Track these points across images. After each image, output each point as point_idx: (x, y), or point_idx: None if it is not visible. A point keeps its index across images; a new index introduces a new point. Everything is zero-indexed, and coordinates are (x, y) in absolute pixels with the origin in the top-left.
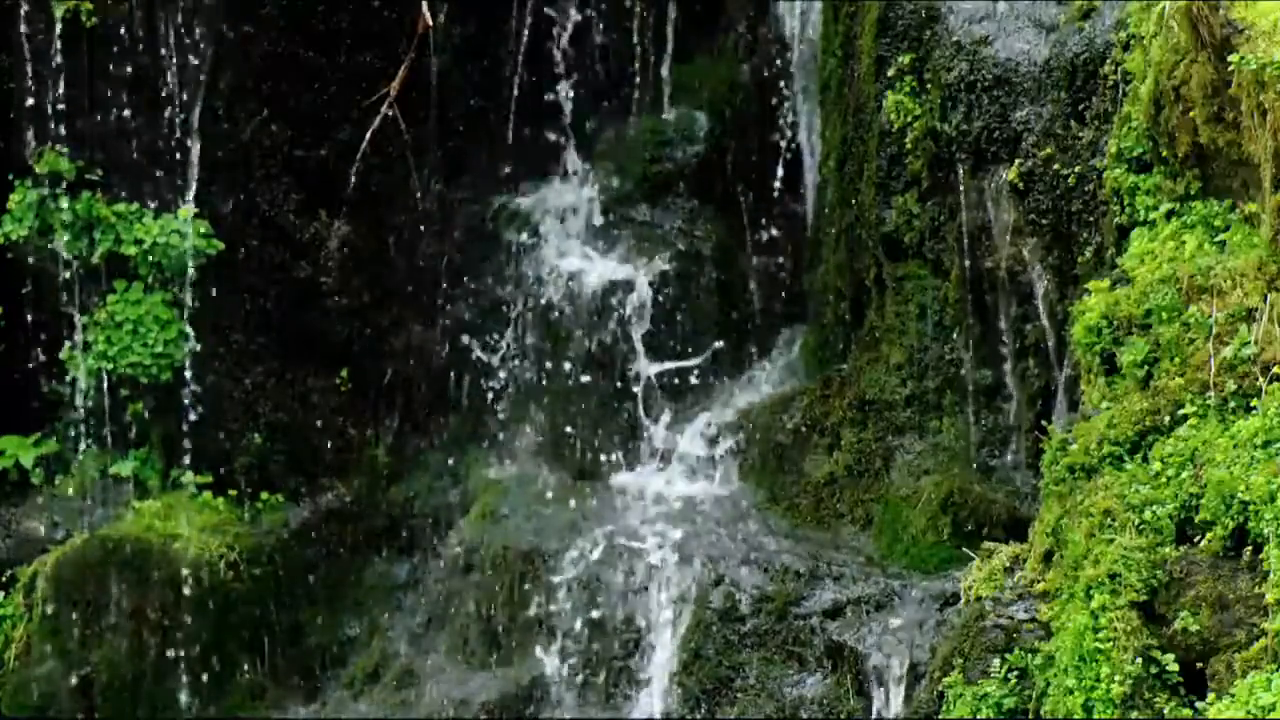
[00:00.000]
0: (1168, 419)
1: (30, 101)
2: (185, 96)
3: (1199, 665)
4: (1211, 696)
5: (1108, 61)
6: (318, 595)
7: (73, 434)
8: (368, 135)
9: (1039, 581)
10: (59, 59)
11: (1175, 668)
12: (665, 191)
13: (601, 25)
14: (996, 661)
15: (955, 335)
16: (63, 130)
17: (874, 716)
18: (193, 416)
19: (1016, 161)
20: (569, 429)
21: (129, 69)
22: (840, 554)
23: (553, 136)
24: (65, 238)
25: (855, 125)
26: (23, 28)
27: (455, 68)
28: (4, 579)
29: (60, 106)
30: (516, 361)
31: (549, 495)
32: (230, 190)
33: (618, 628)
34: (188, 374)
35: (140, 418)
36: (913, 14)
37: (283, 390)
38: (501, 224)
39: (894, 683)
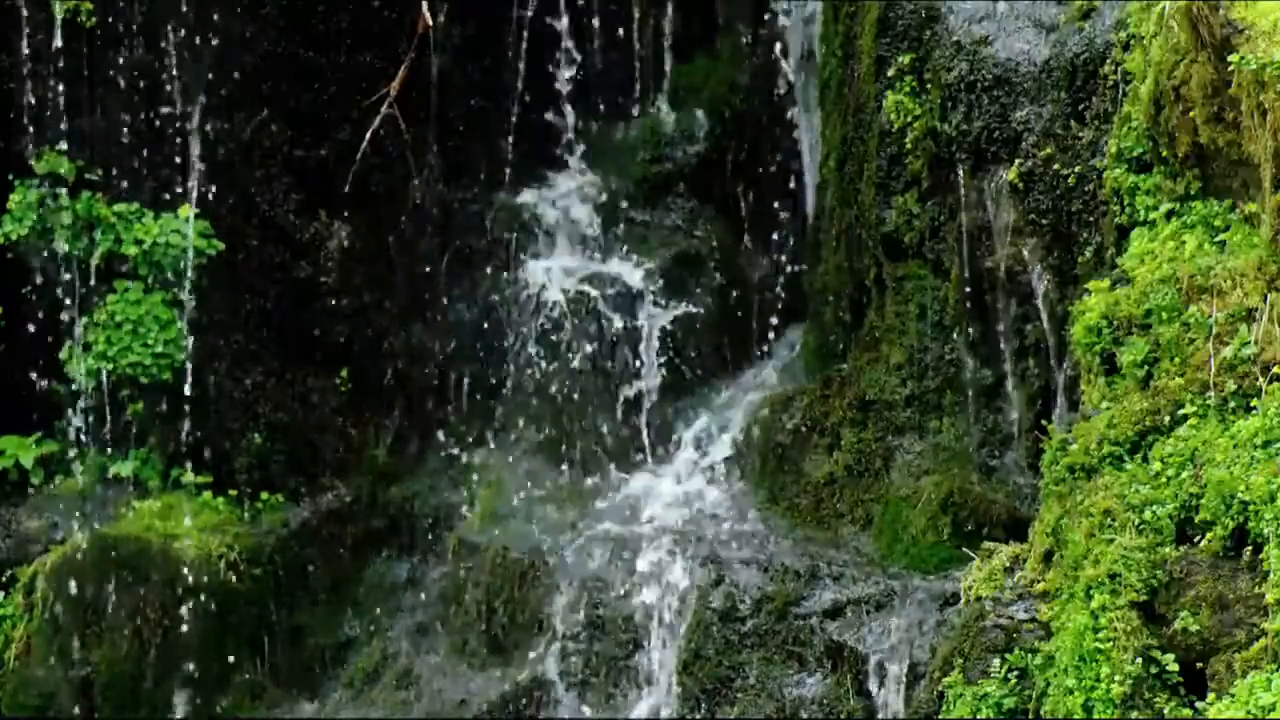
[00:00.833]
0: (1168, 419)
1: (30, 101)
2: (185, 96)
3: (1199, 665)
4: (1211, 696)
5: (1108, 61)
6: (318, 595)
7: (73, 434)
8: (368, 135)
9: (1039, 581)
10: (59, 59)
11: (1175, 668)
12: (665, 191)
13: (601, 25)
14: (996, 661)
15: (955, 335)
16: (63, 130)
17: (874, 716)
18: (193, 416)
19: (1016, 161)
20: (569, 429)
21: (129, 69)
22: (840, 554)
23: (553, 136)
24: (65, 238)
25: (855, 125)
26: (23, 28)
27: (455, 68)
28: (4, 579)
29: (60, 106)
30: (516, 361)
31: (549, 495)
32: (230, 190)
33: (618, 628)
34: (188, 374)
35: (140, 418)
36: (913, 14)
37: (283, 390)
38: (501, 224)
39: (894, 683)
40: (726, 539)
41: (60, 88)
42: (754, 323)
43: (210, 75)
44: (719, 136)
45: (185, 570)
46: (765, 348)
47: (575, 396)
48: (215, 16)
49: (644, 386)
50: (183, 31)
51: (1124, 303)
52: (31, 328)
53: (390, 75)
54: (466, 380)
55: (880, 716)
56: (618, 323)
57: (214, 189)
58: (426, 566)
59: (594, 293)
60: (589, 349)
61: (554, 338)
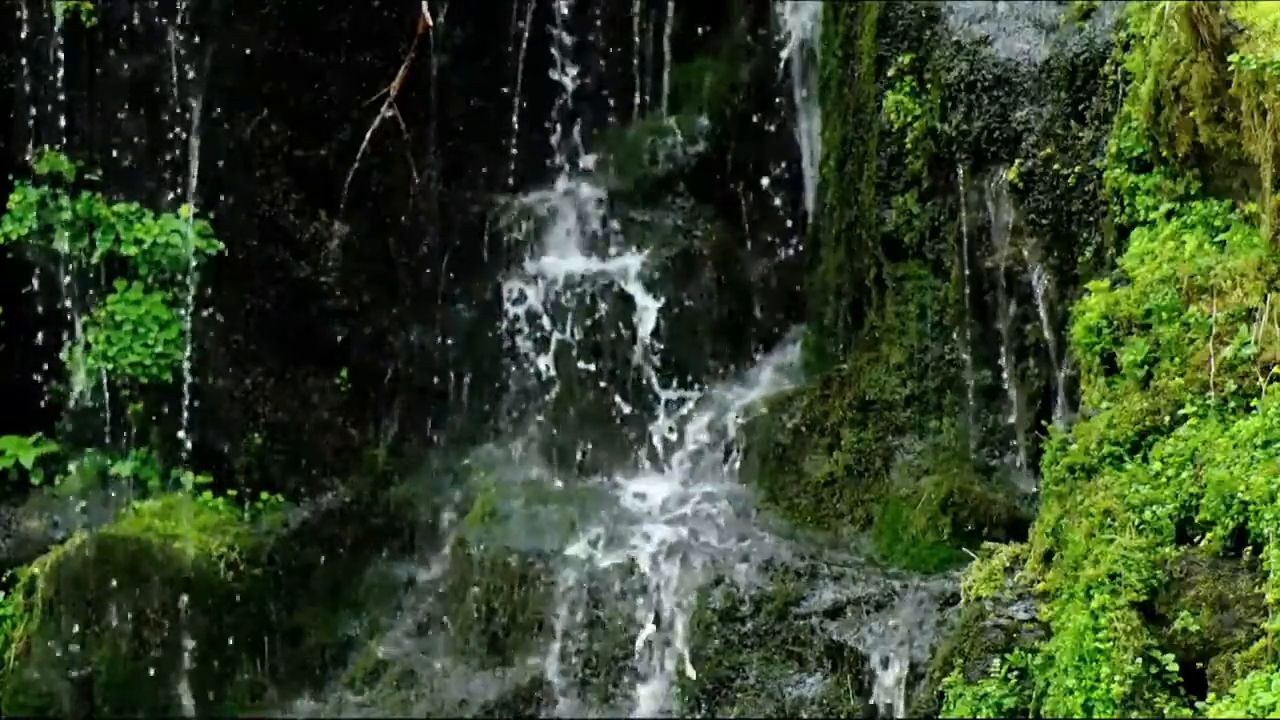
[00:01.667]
0: (1168, 419)
1: (30, 101)
2: (185, 96)
3: (1199, 665)
4: (1211, 696)
5: (1108, 61)
6: (318, 595)
7: (73, 434)
8: (368, 135)
9: (1039, 581)
10: (59, 59)
11: (1175, 668)
12: (665, 191)
13: (602, 25)
14: (996, 661)
15: (955, 335)
16: (63, 130)
17: (874, 716)
18: (193, 416)
19: (1016, 161)
20: (568, 429)
21: (129, 69)
22: (840, 554)
23: (553, 136)
24: (65, 238)
25: (855, 125)
26: (23, 28)
27: (455, 68)
28: (4, 579)
29: (60, 106)
30: (516, 361)
31: (549, 495)
32: (230, 190)
33: (618, 628)
34: (188, 374)
35: (140, 418)
36: (913, 14)
37: (283, 390)
38: (501, 224)
39: (894, 683)
40: (726, 539)
41: (60, 88)
42: (754, 323)
43: (210, 75)
44: (719, 136)
45: (185, 570)
46: (765, 348)
47: (575, 396)
48: (215, 16)
49: (643, 386)
50: (183, 31)
51: (1124, 303)
52: (31, 328)
53: (390, 75)
54: (466, 380)
55: (880, 716)
56: (617, 322)
57: (214, 189)
58: (426, 566)
59: (594, 293)
60: (588, 348)
61: (554, 338)
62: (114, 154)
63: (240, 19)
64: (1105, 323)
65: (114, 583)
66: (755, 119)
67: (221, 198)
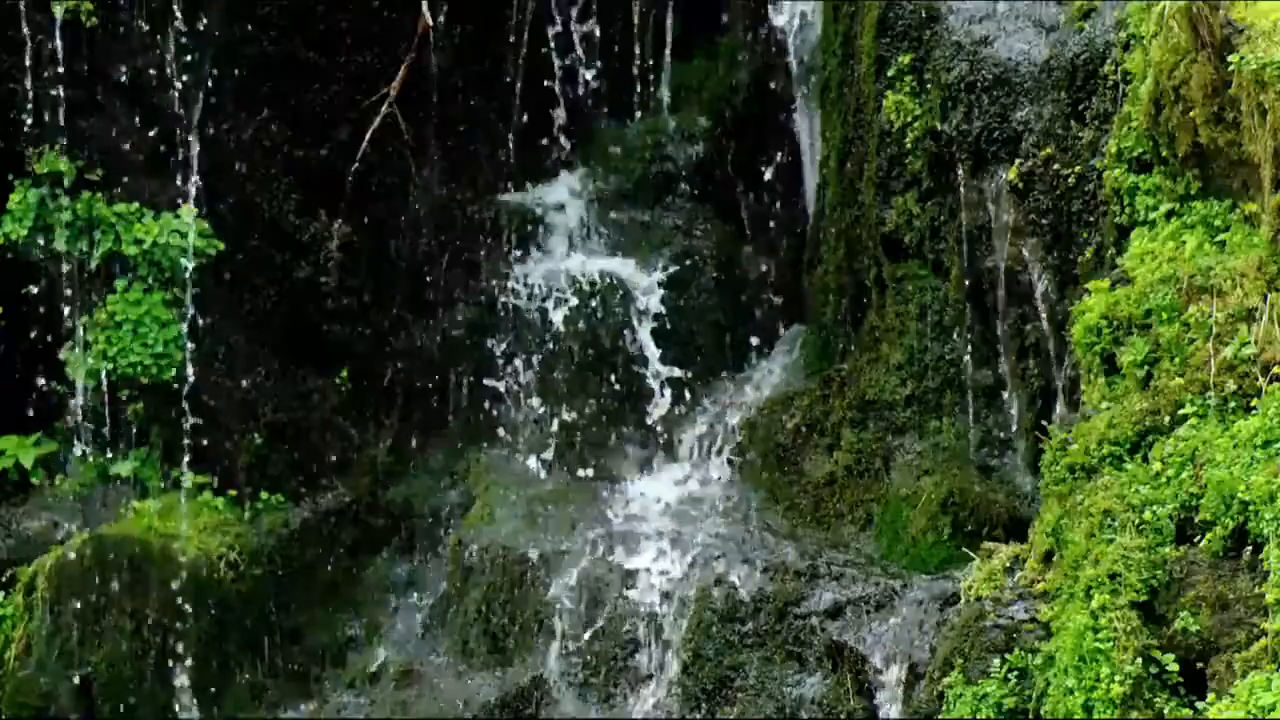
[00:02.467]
0: (1168, 419)
1: (30, 101)
2: (185, 96)
3: (1199, 665)
4: (1211, 696)
5: (1108, 61)
6: (318, 595)
7: (73, 434)
8: (368, 135)
9: (1039, 581)
10: (59, 59)
11: (1175, 668)
12: (665, 191)
13: (601, 25)
14: (996, 661)
15: (955, 335)
16: (63, 130)
17: (874, 716)
18: (193, 416)
19: (1016, 161)
20: (569, 429)
21: (129, 69)
22: (840, 554)
23: (553, 136)
24: (65, 238)
25: (855, 125)
26: (23, 28)
27: (455, 68)
28: (4, 579)
29: (60, 106)
30: (516, 361)
31: (549, 495)
32: (230, 190)
33: (618, 628)
34: (188, 374)
35: (140, 418)
36: (913, 14)
37: (283, 390)
38: (501, 224)
39: (894, 683)
40: (726, 539)
41: (60, 88)
42: (754, 323)
43: (210, 75)
44: (719, 136)
45: (185, 570)
46: (765, 348)
47: (574, 396)
48: (215, 16)
49: (643, 386)
50: (183, 31)
51: (1124, 303)
52: (31, 328)
53: (390, 75)
54: (466, 380)
55: (880, 716)
56: (617, 323)
57: (214, 189)
58: (426, 566)
59: (593, 293)
60: (588, 349)
61: (553, 338)
62: (114, 154)
63: (240, 19)
64: (1105, 323)
65: (114, 583)
66: (755, 119)
67: (221, 198)
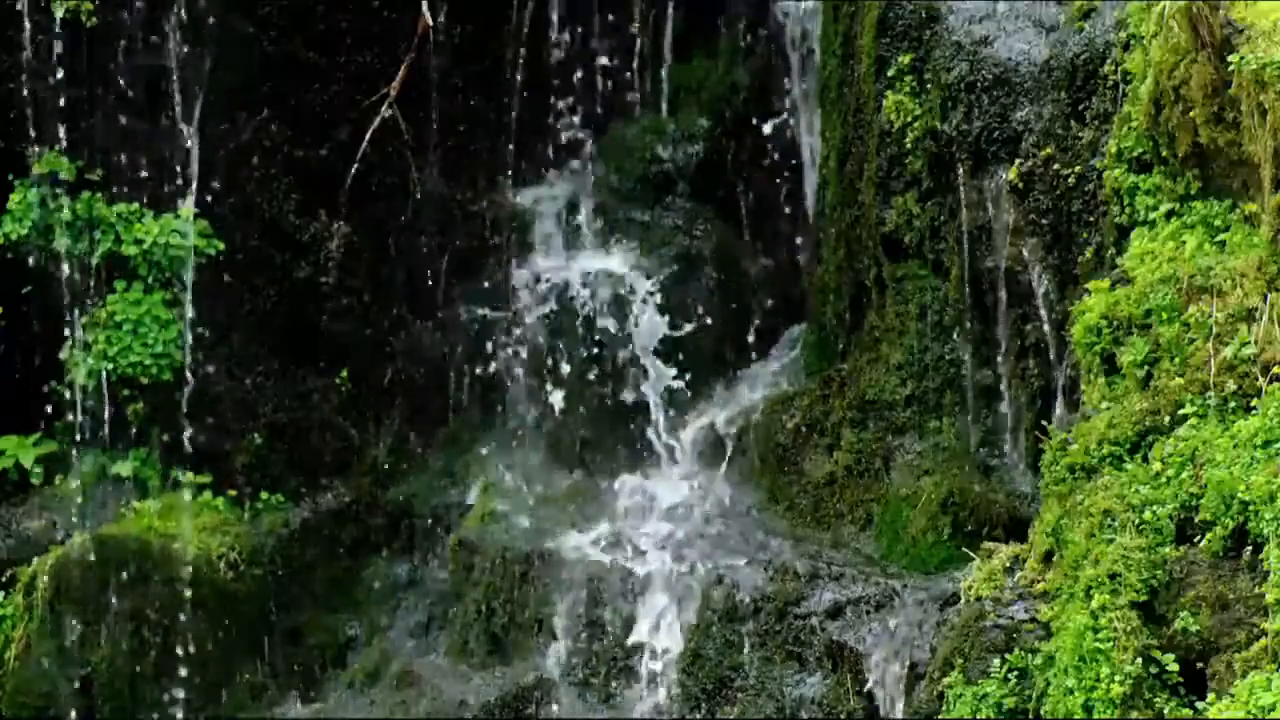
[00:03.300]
0: (1168, 419)
1: (30, 101)
2: (185, 96)
3: (1199, 665)
4: (1211, 696)
5: (1108, 61)
6: (318, 595)
7: (73, 434)
8: (368, 135)
9: (1039, 581)
10: (59, 59)
11: (1175, 668)
12: (665, 191)
13: (601, 25)
14: (996, 661)
15: (955, 335)
16: (63, 130)
17: (874, 716)
18: (193, 416)
19: (1016, 161)
20: (568, 428)
21: (129, 69)
22: (840, 554)
23: (552, 136)
24: (65, 238)
25: (855, 125)
26: (23, 28)
27: (455, 68)
28: (4, 579)
29: (60, 106)
30: (516, 361)
31: (549, 495)
32: (230, 190)
33: (618, 628)
34: (188, 374)
35: (140, 418)
36: (913, 14)
37: (283, 390)
38: (501, 224)
39: (894, 683)
40: (726, 539)
41: (60, 88)
42: (754, 322)
43: (210, 75)
44: (719, 136)
45: (185, 570)
46: (765, 347)
47: (574, 396)
48: (215, 16)
49: (643, 386)
50: (183, 31)
51: (1124, 303)
52: (31, 328)
53: (390, 75)
54: (466, 380)
55: (880, 716)
56: (617, 322)
57: (214, 189)
58: (426, 566)
59: (593, 292)
60: (588, 349)
61: (553, 337)
62: (114, 154)
63: (240, 19)
64: (1105, 323)
65: (114, 583)
66: (755, 119)
67: (221, 198)
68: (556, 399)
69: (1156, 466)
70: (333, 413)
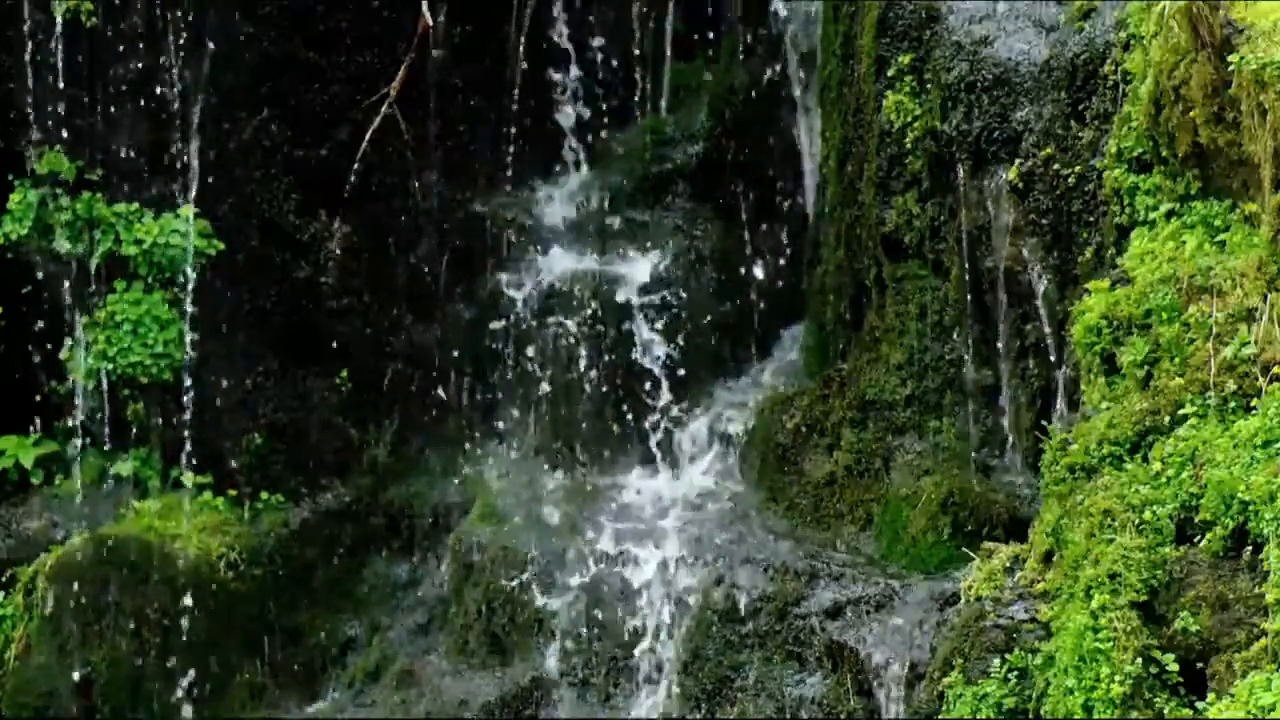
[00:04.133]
0: (1168, 419)
1: (30, 101)
2: (185, 96)
3: (1199, 665)
4: (1211, 696)
5: (1108, 61)
6: (318, 595)
7: (73, 434)
8: (368, 135)
9: (1039, 581)
10: (59, 59)
11: (1175, 668)
12: (665, 191)
13: (601, 25)
14: (996, 661)
15: (955, 335)
16: (63, 130)
17: (874, 716)
18: (193, 416)
19: (1016, 161)
20: (568, 429)
21: (129, 69)
22: (840, 554)
23: (552, 136)
24: (65, 238)
25: (855, 125)
26: (23, 28)
27: (455, 68)
28: (4, 579)
29: (60, 106)
30: (516, 361)
31: (549, 495)
32: (230, 190)
33: (618, 628)
34: (188, 374)
35: (140, 418)
36: (913, 14)
37: (283, 390)
38: (501, 224)
39: (894, 683)
40: (726, 539)
41: (60, 88)
42: (754, 323)
43: (210, 75)
44: (719, 136)
45: (185, 570)
46: (765, 348)
47: (575, 396)
48: (215, 16)
49: (643, 386)
50: (183, 31)
51: (1124, 303)
52: (31, 328)
53: (390, 75)
54: (466, 380)
55: (880, 716)
56: (617, 323)
57: (214, 189)
58: (426, 566)
59: (593, 292)
60: (588, 349)
61: (553, 338)
62: (114, 154)
63: (240, 19)
64: (1105, 323)
65: (114, 583)
66: (755, 119)
67: (221, 198)
68: (556, 399)
69: (1156, 466)
70: (333, 413)
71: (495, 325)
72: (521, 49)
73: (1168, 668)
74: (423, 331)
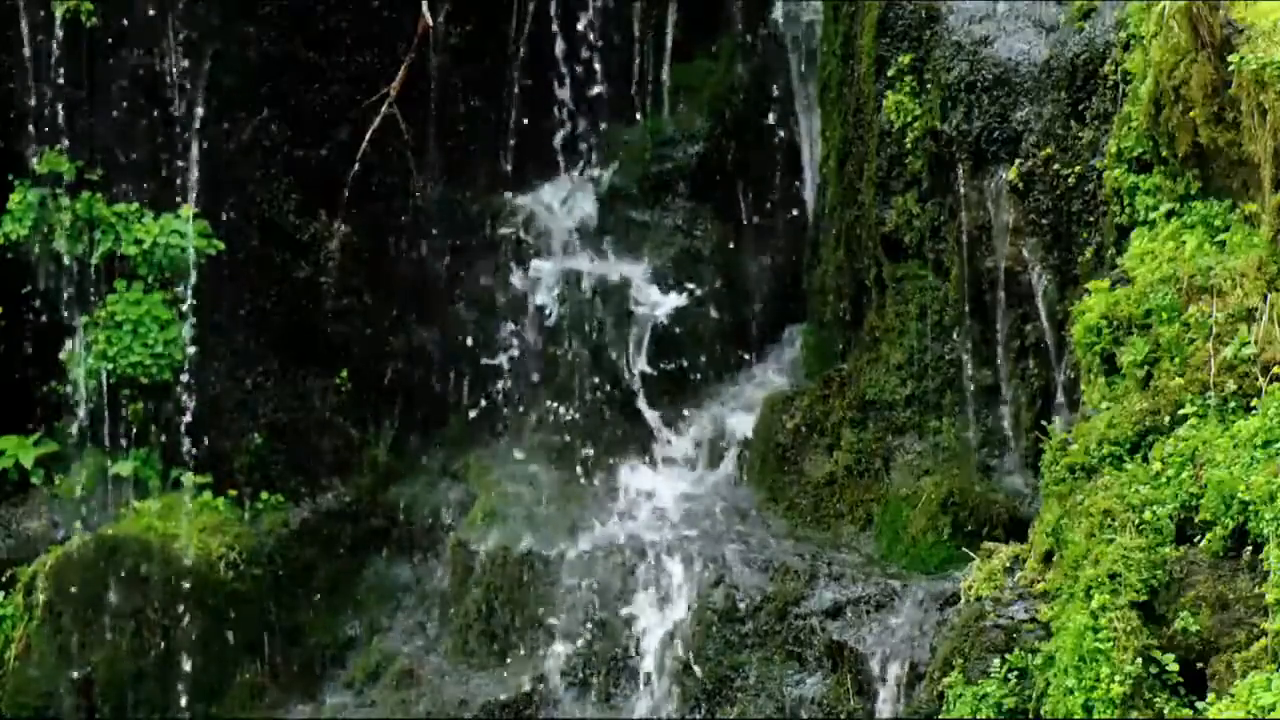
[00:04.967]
0: (1168, 419)
1: (30, 101)
2: (185, 96)
3: (1199, 665)
4: (1211, 696)
5: (1108, 61)
6: (318, 595)
7: (73, 434)
8: (368, 135)
9: (1039, 581)
10: (59, 59)
11: (1175, 668)
12: (665, 191)
13: (601, 25)
14: (996, 661)
15: (955, 335)
16: (63, 130)
17: (874, 716)
18: (193, 416)
19: (1016, 161)
20: (568, 429)
21: (129, 69)
22: (840, 554)
23: (552, 136)
24: (65, 238)
25: (855, 125)
26: (23, 28)
27: (455, 68)
28: (4, 579)
29: (60, 106)
30: (516, 361)
31: (549, 495)
32: (230, 190)
33: (618, 628)
34: (188, 374)
35: (140, 418)
36: (913, 14)
37: (283, 390)
38: (501, 224)
39: (894, 683)
40: (726, 539)
41: (60, 88)
42: (754, 323)
43: (210, 75)
44: (719, 136)
45: (185, 570)
46: (765, 348)
47: (575, 396)
48: (215, 16)
49: (643, 387)
50: (183, 31)
51: (1124, 303)
52: (31, 328)
53: (390, 75)
54: (466, 380)
55: (880, 716)
56: (617, 323)
57: (214, 189)
58: (426, 566)
59: (594, 292)
60: (589, 349)
61: (553, 338)
62: (114, 154)
63: (240, 19)
64: (1105, 323)
65: (114, 583)
66: (755, 119)
67: (221, 198)
68: (556, 399)
69: (1156, 466)
70: (333, 413)
71: (494, 325)
72: (522, 49)
73: (1168, 668)
74: (423, 331)
